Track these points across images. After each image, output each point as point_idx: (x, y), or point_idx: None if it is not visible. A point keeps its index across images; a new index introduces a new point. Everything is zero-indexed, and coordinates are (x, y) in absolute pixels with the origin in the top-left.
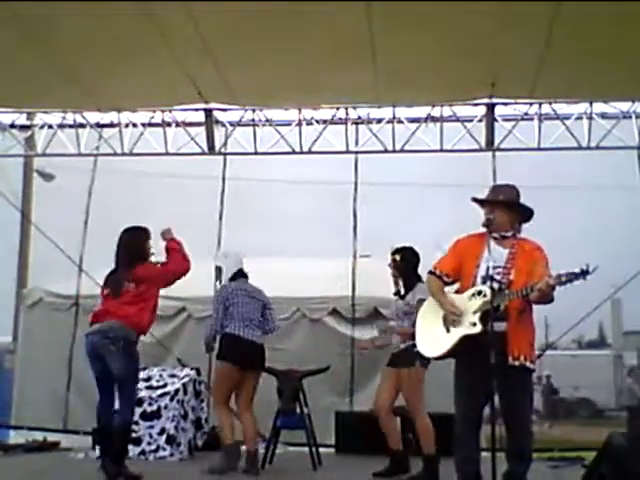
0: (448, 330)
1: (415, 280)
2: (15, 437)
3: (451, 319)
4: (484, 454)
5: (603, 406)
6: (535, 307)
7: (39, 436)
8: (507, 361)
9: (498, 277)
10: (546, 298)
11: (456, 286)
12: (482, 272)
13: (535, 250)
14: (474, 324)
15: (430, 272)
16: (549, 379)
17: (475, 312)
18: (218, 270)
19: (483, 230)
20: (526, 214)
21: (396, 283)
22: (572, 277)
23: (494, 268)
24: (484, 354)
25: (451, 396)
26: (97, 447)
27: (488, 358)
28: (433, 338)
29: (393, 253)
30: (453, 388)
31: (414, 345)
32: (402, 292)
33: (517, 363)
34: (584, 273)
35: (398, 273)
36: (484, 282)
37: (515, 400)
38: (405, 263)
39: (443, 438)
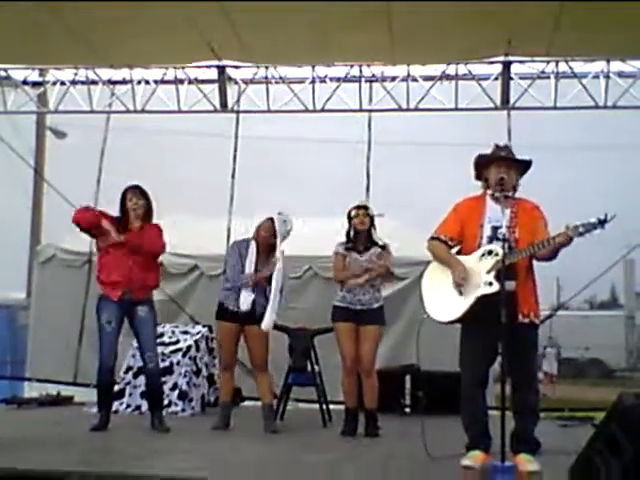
0: (461, 292)
1: (373, 238)
2: (29, 391)
3: (457, 284)
4: (491, 412)
5: (614, 366)
6: (547, 268)
7: (53, 390)
8: (516, 319)
9: (502, 236)
10: (554, 254)
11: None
12: (488, 232)
13: (535, 209)
14: (490, 283)
15: (433, 238)
16: None
17: (489, 271)
18: None
19: (480, 192)
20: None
21: (356, 238)
22: (590, 227)
23: (498, 228)
24: (492, 314)
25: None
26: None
27: (496, 317)
28: (445, 302)
29: (366, 208)
30: (460, 348)
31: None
32: (361, 248)
33: (527, 320)
34: (601, 222)
35: (366, 228)
36: (491, 242)
37: (524, 358)
38: (372, 220)
39: (452, 397)
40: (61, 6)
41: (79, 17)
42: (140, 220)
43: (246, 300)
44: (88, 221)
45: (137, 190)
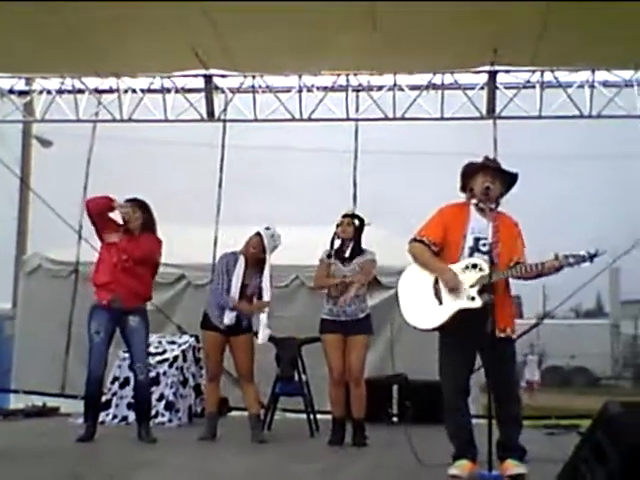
0: (441, 302)
1: (360, 247)
2: (15, 403)
3: (452, 289)
4: (475, 422)
5: (600, 374)
6: None
7: (39, 402)
8: (494, 334)
9: (484, 249)
10: (535, 277)
11: None
12: (470, 243)
13: (514, 226)
14: (472, 298)
15: (415, 240)
16: None
17: (472, 286)
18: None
19: (463, 200)
20: (504, 193)
21: (341, 247)
22: (580, 260)
23: (479, 240)
24: (471, 326)
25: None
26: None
27: (476, 329)
28: (424, 309)
29: (352, 217)
30: (439, 358)
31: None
32: (346, 256)
33: (503, 335)
34: (591, 257)
35: (352, 237)
36: (472, 254)
37: (503, 371)
38: (359, 229)
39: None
40: (47, 13)
41: (66, 23)
42: (139, 232)
43: (229, 317)
44: (97, 202)
45: (133, 203)
